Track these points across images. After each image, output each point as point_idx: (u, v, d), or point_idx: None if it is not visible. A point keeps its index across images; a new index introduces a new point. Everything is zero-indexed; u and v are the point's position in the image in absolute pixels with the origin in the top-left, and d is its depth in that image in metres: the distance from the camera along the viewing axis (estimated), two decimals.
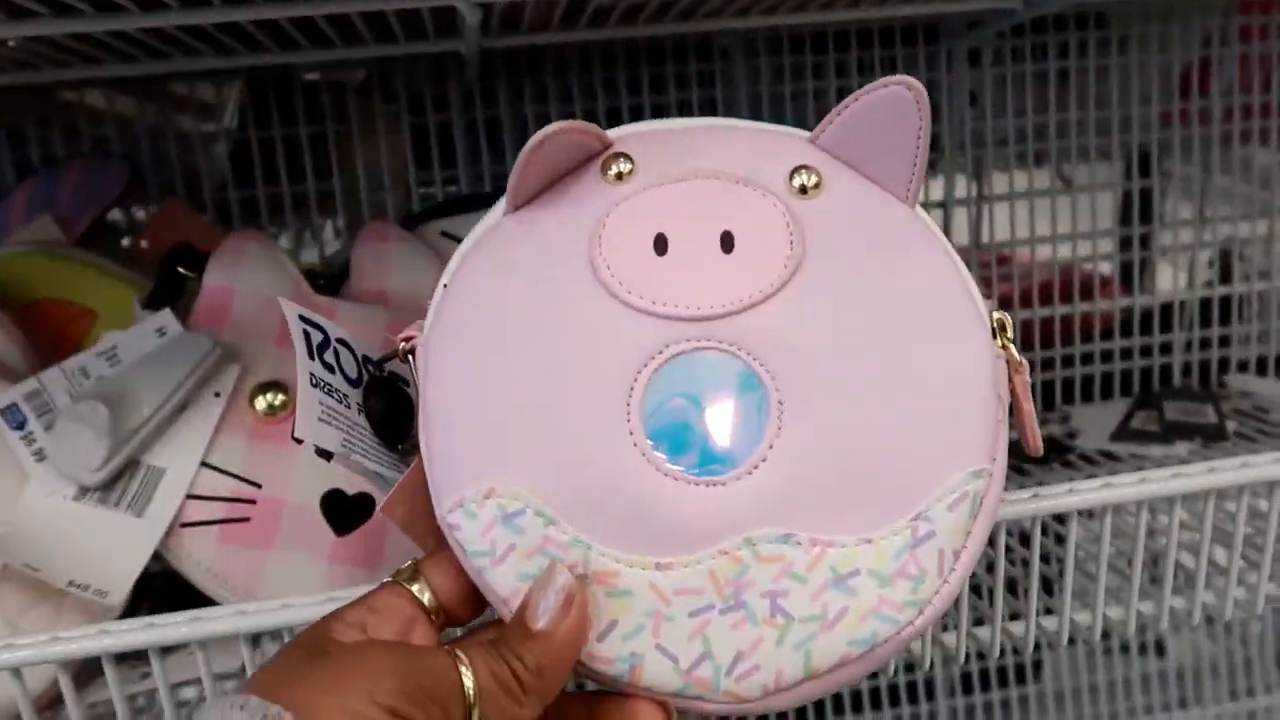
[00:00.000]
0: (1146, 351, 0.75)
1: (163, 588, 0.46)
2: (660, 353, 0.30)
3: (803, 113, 0.68)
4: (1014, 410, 0.33)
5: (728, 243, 0.31)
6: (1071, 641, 0.79)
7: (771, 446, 0.30)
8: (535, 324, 0.31)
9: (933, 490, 0.30)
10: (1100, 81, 0.70)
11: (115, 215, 0.63)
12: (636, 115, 0.67)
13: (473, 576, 0.31)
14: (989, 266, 0.73)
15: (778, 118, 0.68)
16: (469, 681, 0.27)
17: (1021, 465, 0.64)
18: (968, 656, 0.43)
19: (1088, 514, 0.44)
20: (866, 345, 0.31)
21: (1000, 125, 0.70)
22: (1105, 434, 0.67)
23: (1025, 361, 0.32)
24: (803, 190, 0.32)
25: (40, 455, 0.42)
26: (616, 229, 0.31)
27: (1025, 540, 0.48)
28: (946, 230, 0.71)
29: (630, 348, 0.31)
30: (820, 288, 0.31)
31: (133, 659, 0.42)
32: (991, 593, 0.45)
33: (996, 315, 0.32)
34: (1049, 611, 0.47)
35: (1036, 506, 0.40)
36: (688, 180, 0.32)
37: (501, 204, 0.33)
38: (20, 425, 0.43)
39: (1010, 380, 0.32)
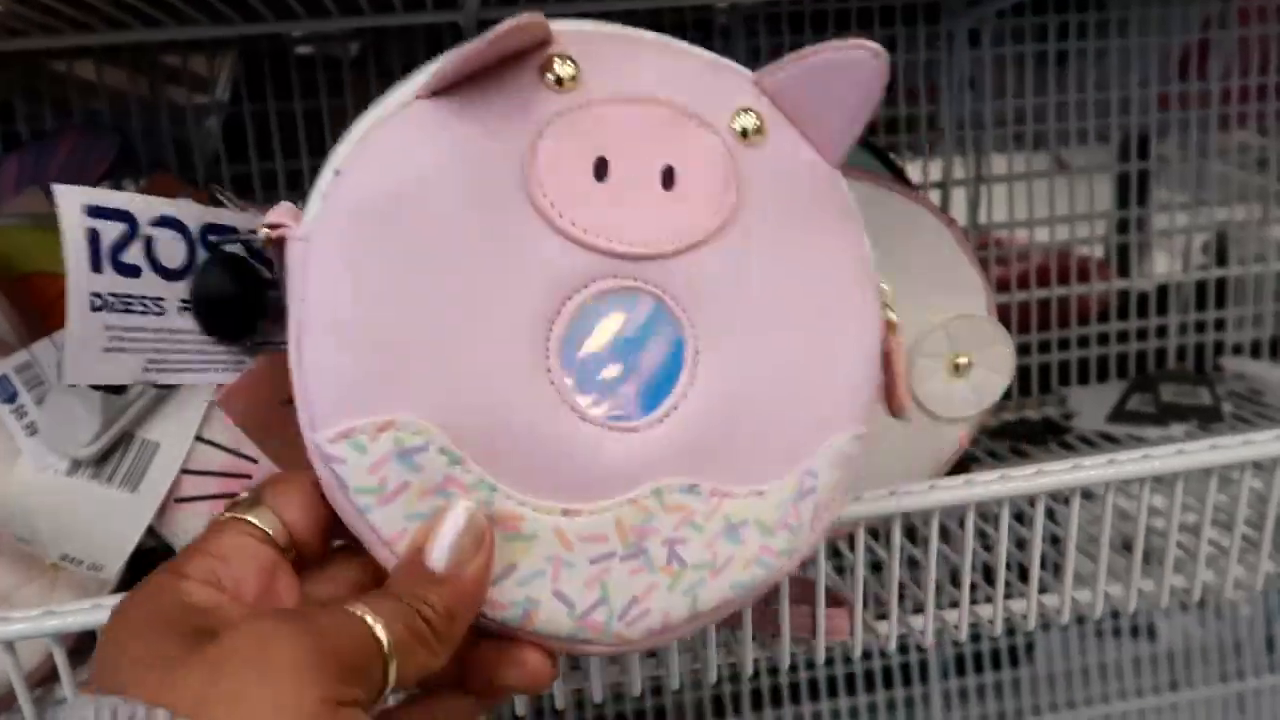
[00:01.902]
0: (1142, 335, 0.75)
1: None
2: (587, 286, 0.29)
3: None
4: (886, 370, 0.33)
5: (669, 178, 0.30)
6: (1074, 622, 0.79)
7: (685, 395, 0.30)
8: (451, 234, 0.28)
9: (819, 448, 0.31)
10: (1099, 63, 0.70)
11: (106, 186, 0.62)
12: None
13: (345, 514, 0.28)
14: (987, 248, 0.72)
15: None
16: (384, 638, 0.25)
17: (1019, 447, 0.64)
18: (957, 643, 0.44)
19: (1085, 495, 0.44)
20: (781, 305, 0.31)
21: (999, 107, 0.70)
22: (1101, 416, 0.67)
23: (900, 323, 0.33)
24: (744, 134, 0.31)
25: (32, 429, 0.42)
26: (555, 144, 0.29)
27: (1020, 519, 0.48)
28: (944, 210, 0.71)
29: (557, 277, 0.29)
30: (750, 241, 0.31)
31: None
32: (990, 571, 0.45)
33: (883, 285, 0.32)
34: (1042, 590, 0.47)
35: (1034, 485, 0.40)
36: (636, 103, 0.30)
37: (413, 81, 0.29)
38: (11, 398, 0.42)
39: (887, 342, 0.32)
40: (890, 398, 0.33)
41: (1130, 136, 0.73)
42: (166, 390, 0.43)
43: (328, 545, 0.30)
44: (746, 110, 0.31)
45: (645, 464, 0.29)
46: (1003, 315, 0.72)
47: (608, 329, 0.29)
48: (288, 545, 0.28)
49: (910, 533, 0.49)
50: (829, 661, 0.83)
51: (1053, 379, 0.74)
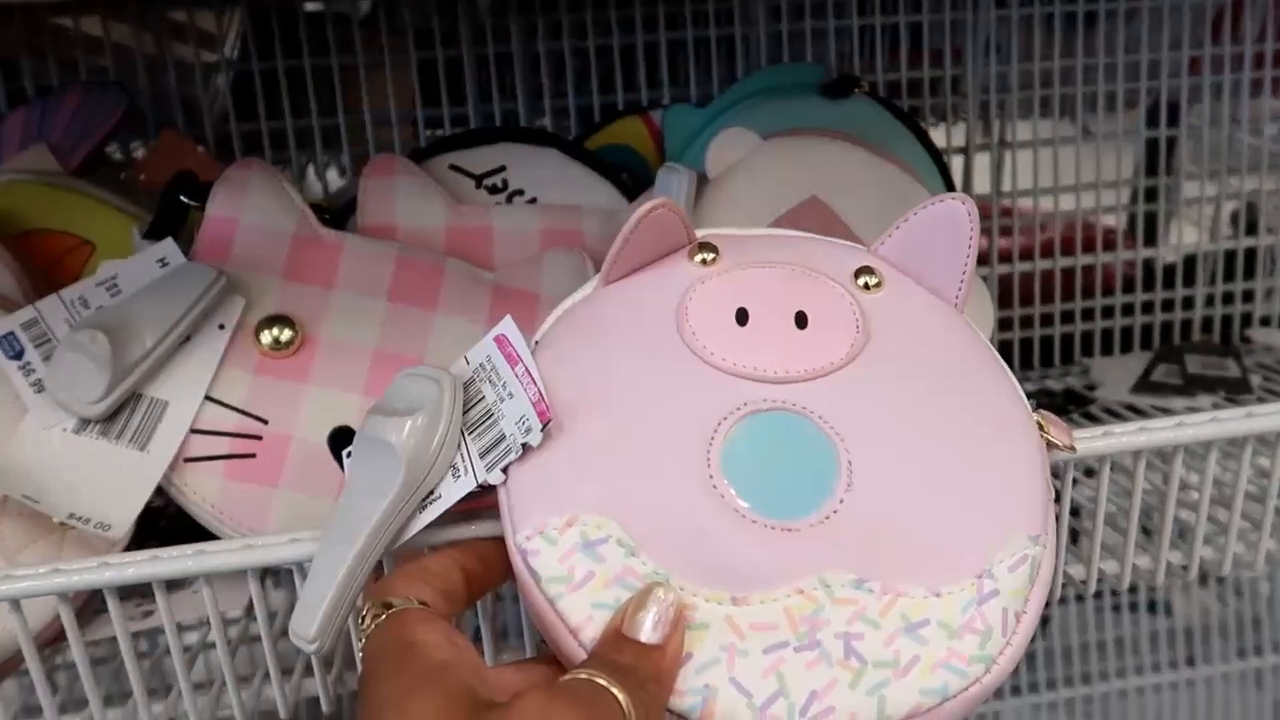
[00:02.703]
0: (1168, 305, 0.73)
1: (170, 527, 0.45)
2: (739, 409, 0.33)
3: (823, 52, 0.66)
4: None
5: (801, 320, 0.34)
6: (1091, 596, 0.79)
7: (842, 501, 0.32)
8: (624, 378, 0.33)
9: (996, 552, 0.31)
10: (1129, 25, 0.68)
11: (112, 148, 0.61)
12: (651, 53, 0.65)
13: (536, 608, 0.31)
14: (1010, 215, 0.71)
15: (797, 55, 0.66)
16: (628, 707, 0.27)
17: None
18: None
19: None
20: (930, 420, 0.33)
21: (1025, 70, 0.68)
22: (1125, 387, 0.66)
23: (1074, 446, 0.35)
24: (866, 287, 0.36)
25: (39, 386, 0.41)
26: (702, 301, 0.35)
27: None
28: (967, 176, 0.69)
29: (711, 402, 0.33)
30: (885, 367, 0.34)
31: (137, 596, 0.41)
32: None
33: (1037, 416, 0.35)
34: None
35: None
36: (766, 267, 0.36)
37: (595, 279, 0.36)
38: (18, 355, 0.41)
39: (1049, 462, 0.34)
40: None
41: (1160, 102, 0.72)
42: (176, 349, 0.42)
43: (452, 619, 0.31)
44: (865, 269, 0.36)
45: (810, 558, 0.31)
46: (1024, 284, 0.71)
47: (761, 442, 0.32)
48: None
49: None
50: None
51: (1075, 349, 0.73)
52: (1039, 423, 0.34)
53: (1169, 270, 0.74)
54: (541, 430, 0.31)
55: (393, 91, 0.62)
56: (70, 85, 0.57)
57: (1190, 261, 0.73)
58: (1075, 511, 0.50)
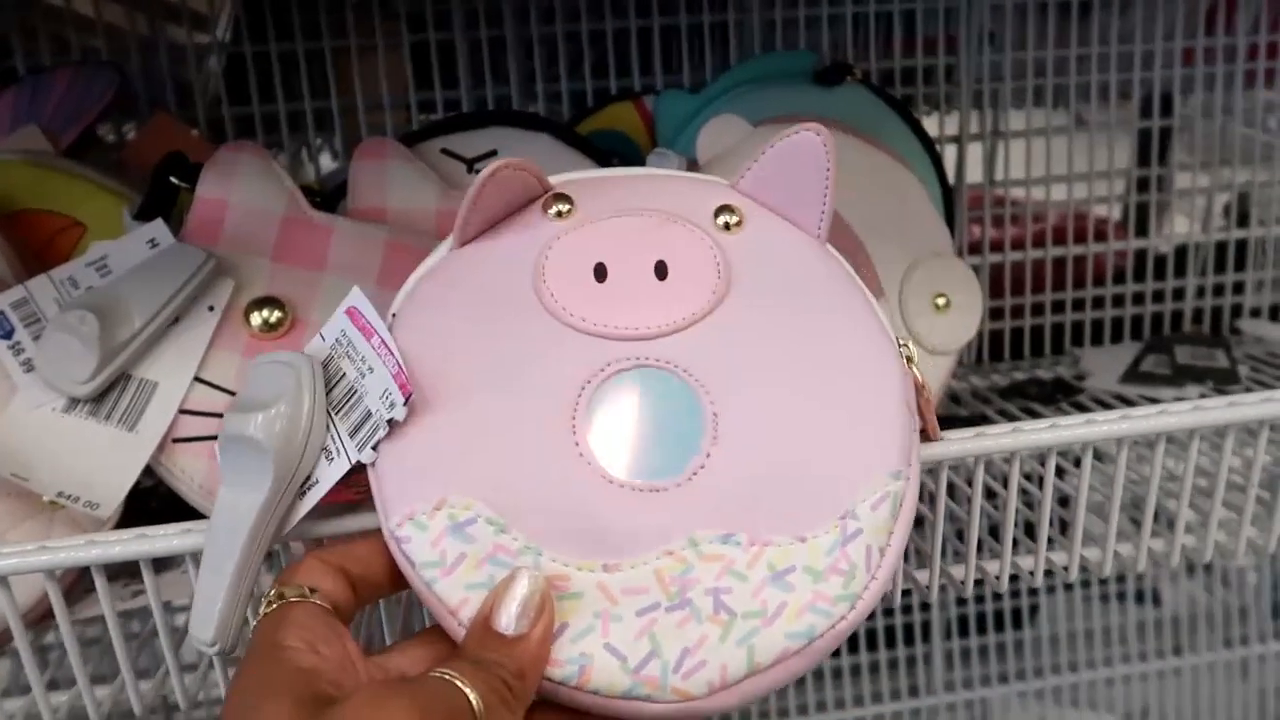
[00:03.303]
0: (1159, 296, 0.74)
1: (161, 508, 0.45)
2: (602, 370, 0.33)
3: (817, 39, 0.66)
4: (922, 419, 0.35)
5: (661, 271, 0.34)
6: (1079, 585, 0.79)
7: (709, 455, 0.32)
8: (483, 347, 0.33)
9: (857, 491, 0.32)
10: (1124, 15, 0.68)
11: (104, 129, 0.60)
12: (644, 38, 0.65)
13: (418, 592, 0.31)
14: (1002, 205, 0.71)
15: (791, 42, 0.66)
16: (474, 700, 0.27)
17: (1030, 406, 0.63)
18: (963, 600, 0.43)
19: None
20: (793, 364, 0.33)
21: (1019, 60, 0.68)
22: (1114, 377, 0.66)
23: (927, 383, 0.35)
24: (726, 227, 0.35)
25: (28, 366, 0.41)
26: (559, 259, 0.34)
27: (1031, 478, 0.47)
28: (960, 165, 0.70)
29: (574, 366, 0.33)
30: (747, 313, 0.34)
31: (125, 576, 0.41)
32: (997, 529, 0.44)
33: (902, 344, 0.35)
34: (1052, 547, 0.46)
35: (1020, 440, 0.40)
36: (623, 216, 0.35)
37: (450, 241, 0.35)
38: (7, 334, 0.41)
39: (918, 399, 0.35)
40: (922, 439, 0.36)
41: (1153, 93, 0.72)
42: (165, 330, 0.42)
43: (356, 610, 0.31)
44: (725, 208, 0.35)
45: (678, 519, 0.31)
46: (1015, 274, 0.71)
47: (626, 402, 0.32)
48: (334, 611, 0.30)
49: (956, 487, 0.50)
50: None
51: (1065, 339, 0.73)
52: (906, 356, 0.34)
53: (1160, 261, 0.74)
54: (405, 404, 0.31)
55: (385, 75, 0.62)
56: (61, 66, 0.57)
57: (1182, 252, 0.74)
58: (1064, 501, 0.50)
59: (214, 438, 0.42)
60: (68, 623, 0.36)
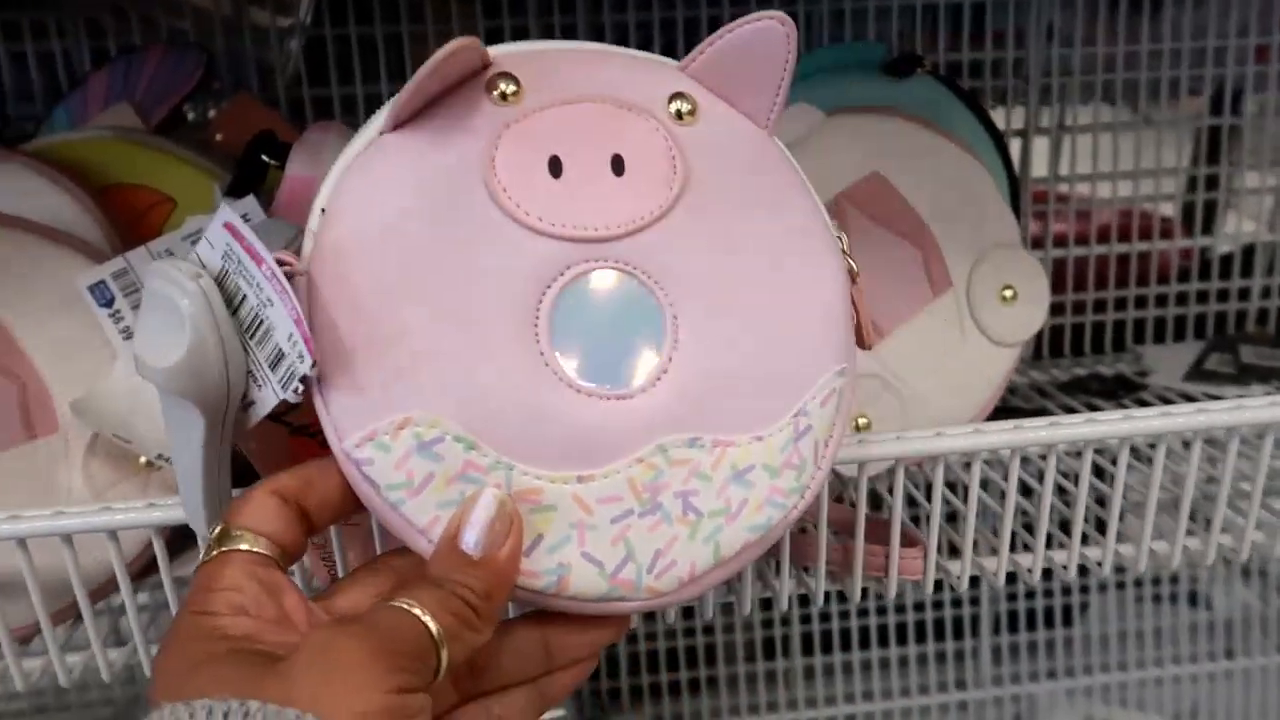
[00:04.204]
0: (1223, 295, 0.73)
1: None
2: (563, 273, 0.31)
3: (884, 29, 0.67)
4: (855, 310, 0.35)
5: (618, 166, 0.32)
6: (1131, 584, 0.78)
7: (670, 359, 0.32)
8: (433, 250, 0.31)
9: (808, 389, 0.32)
10: (1197, 10, 0.68)
11: (188, 107, 0.62)
12: (715, 27, 0.65)
13: (379, 512, 0.30)
14: (1064, 200, 0.71)
15: (859, 33, 0.66)
16: (434, 626, 0.27)
17: (1094, 402, 0.63)
18: (1014, 595, 0.43)
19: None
20: (745, 263, 0.33)
21: (1089, 54, 0.68)
22: (1178, 374, 0.66)
23: (859, 270, 0.35)
24: (679, 116, 0.33)
25: (127, 333, 0.43)
26: (511, 152, 0.31)
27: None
28: (1025, 159, 0.69)
29: (534, 269, 0.31)
30: (702, 211, 0.33)
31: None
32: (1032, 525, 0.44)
33: (838, 234, 0.34)
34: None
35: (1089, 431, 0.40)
36: (576, 104, 0.32)
37: (377, 120, 0.32)
38: (108, 303, 0.43)
39: (850, 287, 0.34)
40: (858, 335, 0.35)
41: (1224, 90, 0.71)
42: None
43: (304, 542, 0.30)
44: (677, 95, 0.33)
45: (646, 425, 0.31)
46: (1077, 269, 0.71)
47: (588, 308, 0.31)
48: (279, 555, 0.29)
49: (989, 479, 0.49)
50: (881, 610, 0.83)
51: (1127, 336, 0.73)
52: (843, 249, 0.34)
53: (1225, 260, 0.73)
54: (313, 364, 0.28)
55: None
56: (151, 46, 0.59)
57: (1248, 252, 0.73)
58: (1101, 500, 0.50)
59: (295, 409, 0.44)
60: (170, 574, 0.37)
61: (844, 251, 0.34)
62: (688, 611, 0.46)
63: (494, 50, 0.32)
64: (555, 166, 0.32)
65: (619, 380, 0.31)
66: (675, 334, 0.32)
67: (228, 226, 0.30)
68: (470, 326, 0.30)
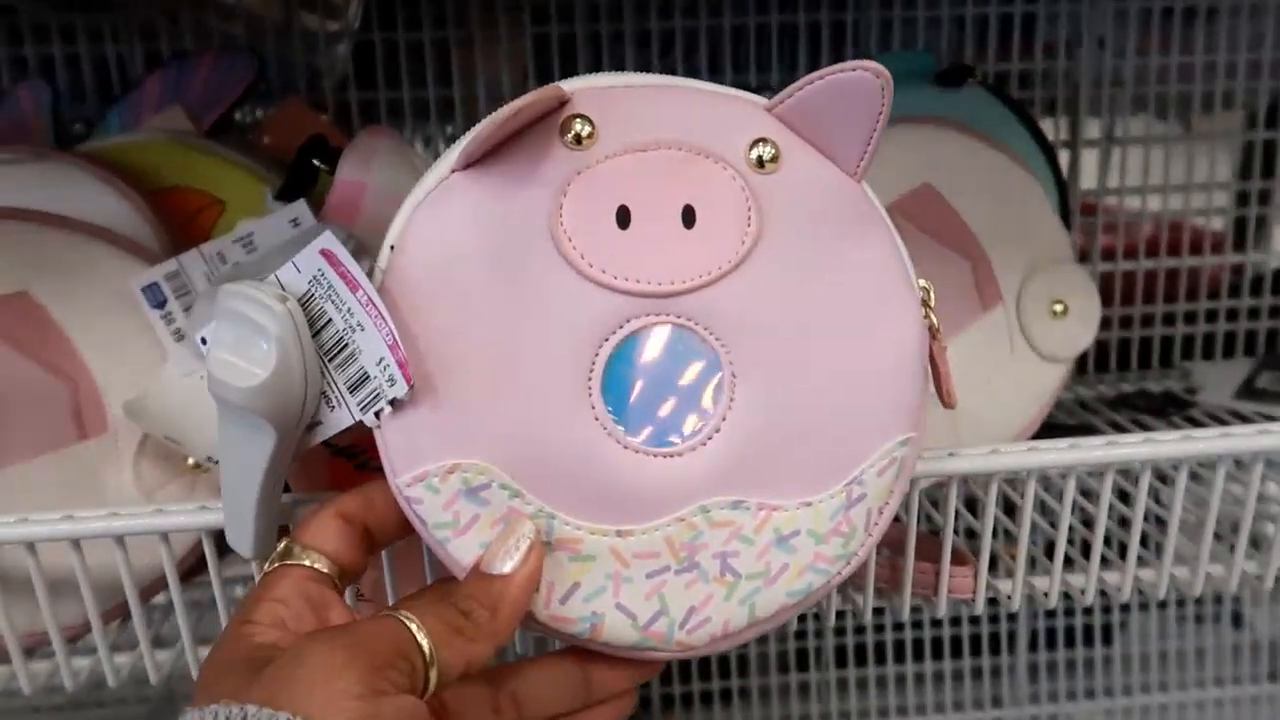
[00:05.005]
0: (1275, 312, 0.72)
1: None
2: (621, 327, 0.31)
3: (933, 38, 0.66)
4: (934, 371, 0.34)
5: (689, 217, 0.31)
6: (1174, 604, 0.77)
7: (724, 419, 0.32)
8: (494, 295, 0.31)
9: (867, 458, 0.32)
10: (1254, 20, 0.66)
11: (240, 112, 0.63)
12: (762, 34, 0.65)
13: (430, 545, 0.31)
14: (1110, 213, 0.70)
15: (908, 42, 0.66)
16: (419, 633, 0.28)
17: (1142, 419, 0.62)
18: (1052, 612, 0.42)
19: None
20: (814, 323, 0.32)
21: (1141, 64, 0.67)
22: (1228, 392, 0.65)
23: (940, 329, 0.34)
24: (759, 163, 0.32)
25: (179, 335, 0.43)
26: (578, 200, 0.31)
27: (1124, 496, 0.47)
28: (1073, 171, 0.68)
29: (592, 322, 0.31)
30: (775, 265, 0.32)
31: None
32: (1088, 544, 0.43)
33: (922, 284, 0.33)
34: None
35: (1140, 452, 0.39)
36: (649, 150, 0.32)
37: (449, 157, 0.32)
38: (160, 304, 0.43)
39: (930, 346, 0.33)
40: (939, 392, 0.34)
41: (1278, 103, 0.70)
42: None
43: (366, 560, 0.32)
44: (760, 140, 0.32)
45: (690, 485, 0.31)
46: (1126, 284, 0.70)
47: (644, 363, 0.31)
48: (336, 574, 0.31)
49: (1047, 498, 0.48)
50: (916, 624, 0.82)
51: (1175, 352, 0.71)
52: (923, 300, 0.33)
53: (1277, 276, 0.72)
54: (409, 388, 0.29)
55: (507, 65, 0.63)
56: (203, 50, 0.60)
57: None
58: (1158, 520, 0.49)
59: None
60: (219, 576, 0.38)
61: (926, 305, 0.33)
62: None
63: (570, 84, 0.32)
64: (623, 217, 0.31)
65: (668, 438, 0.31)
66: (731, 394, 0.32)
67: (324, 253, 0.31)
68: (524, 376, 0.31)
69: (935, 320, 0.33)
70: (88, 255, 0.45)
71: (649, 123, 0.32)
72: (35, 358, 0.43)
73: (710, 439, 0.31)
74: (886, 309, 0.32)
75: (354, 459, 0.40)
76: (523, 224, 0.31)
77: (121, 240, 0.46)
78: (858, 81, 0.31)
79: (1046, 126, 0.67)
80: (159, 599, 0.46)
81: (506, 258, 0.31)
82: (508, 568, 0.30)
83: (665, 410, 0.31)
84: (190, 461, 0.43)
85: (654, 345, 0.31)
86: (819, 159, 0.33)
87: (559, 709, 0.33)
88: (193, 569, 0.43)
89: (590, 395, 0.31)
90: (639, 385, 0.31)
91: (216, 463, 0.41)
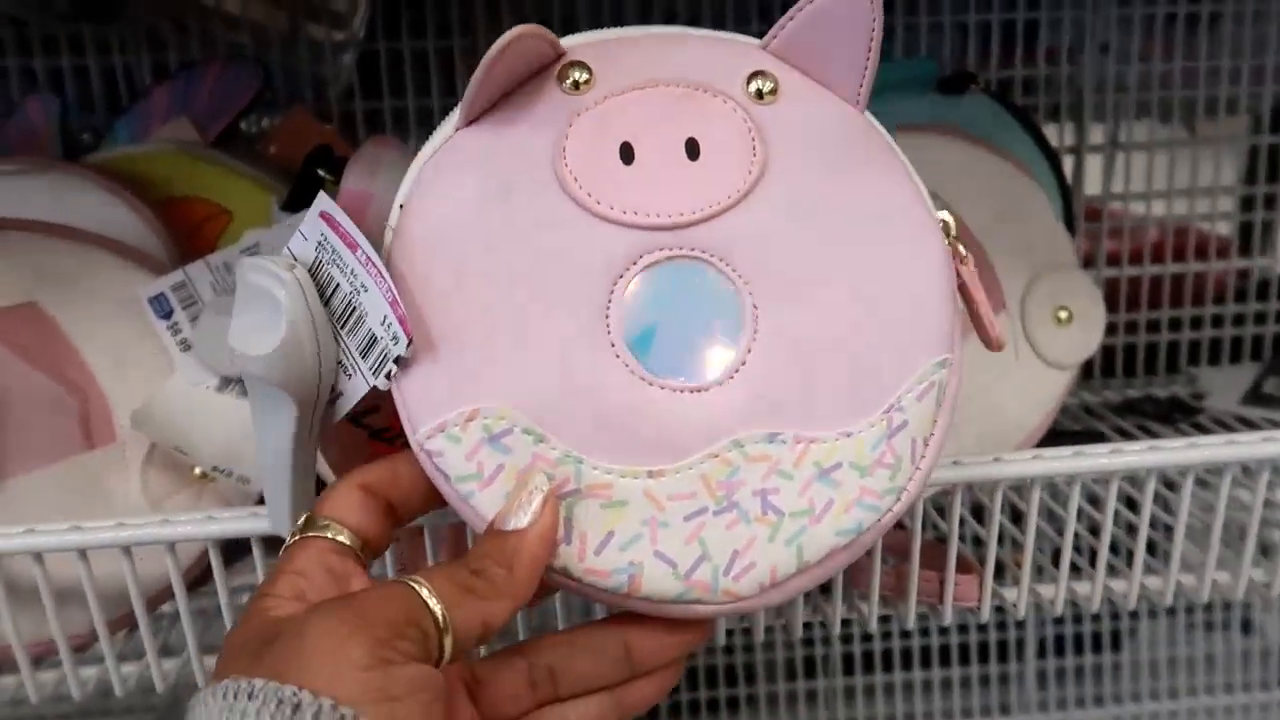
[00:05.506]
0: None
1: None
2: (635, 263, 0.31)
3: (935, 45, 0.66)
4: (966, 301, 0.33)
5: (693, 149, 0.31)
6: (1183, 611, 0.77)
7: (749, 350, 0.31)
8: (505, 241, 0.31)
9: (903, 382, 0.31)
10: (1257, 25, 0.66)
11: (246, 122, 0.63)
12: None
13: (453, 503, 0.30)
14: (1119, 219, 0.70)
15: (910, 49, 0.66)
16: (430, 598, 0.27)
17: (1148, 425, 0.62)
18: (1061, 619, 0.42)
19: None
20: (832, 247, 0.31)
21: (1145, 70, 0.67)
22: (1235, 398, 0.64)
23: (969, 254, 0.33)
24: (759, 95, 0.32)
25: (185, 345, 0.43)
26: (581, 139, 0.31)
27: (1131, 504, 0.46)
28: (1077, 177, 0.68)
29: (605, 259, 0.31)
30: (785, 192, 0.31)
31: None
32: (1095, 551, 0.43)
33: (942, 215, 0.32)
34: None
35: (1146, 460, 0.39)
36: (648, 88, 0.32)
37: (452, 119, 0.32)
38: (167, 315, 0.44)
39: (958, 271, 0.32)
40: (978, 327, 0.33)
41: None
42: None
43: (390, 533, 0.31)
44: (757, 74, 0.32)
45: (721, 420, 0.30)
46: (1132, 289, 0.70)
47: (661, 298, 0.31)
48: (360, 546, 0.30)
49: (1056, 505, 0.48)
50: (924, 631, 0.82)
51: (1181, 358, 0.71)
52: (945, 227, 0.32)
53: None
54: (409, 344, 0.29)
55: None
56: (210, 61, 0.60)
57: None
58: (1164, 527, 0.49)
59: (361, 415, 0.44)
60: (225, 586, 0.38)
61: (950, 234, 0.32)
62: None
63: (567, 40, 0.32)
64: (627, 153, 0.31)
65: (693, 373, 0.30)
66: (755, 324, 0.31)
67: (324, 215, 0.31)
68: (540, 318, 0.30)
69: (961, 248, 0.32)
70: (96, 266, 0.45)
71: (646, 66, 0.32)
72: (43, 368, 0.43)
73: (737, 371, 0.30)
74: (905, 230, 0.32)
75: (394, 441, 0.39)
76: (528, 169, 0.31)
77: (129, 251, 0.46)
78: (847, 4, 0.31)
79: (1050, 132, 0.67)
80: (165, 608, 0.46)
81: (515, 204, 0.31)
82: (524, 522, 0.28)
83: (688, 344, 0.30)
84: (197, 471, 0.43)
85: (670, 278, 0.31)
86: (820, 90, 0.32)
87: (599, 683, 0.32)
88: (199, 578, 0.43)
89: (609, 333, 0.30)
90: (658, 321, 0.30)
91: (223, 472, 0.41)
